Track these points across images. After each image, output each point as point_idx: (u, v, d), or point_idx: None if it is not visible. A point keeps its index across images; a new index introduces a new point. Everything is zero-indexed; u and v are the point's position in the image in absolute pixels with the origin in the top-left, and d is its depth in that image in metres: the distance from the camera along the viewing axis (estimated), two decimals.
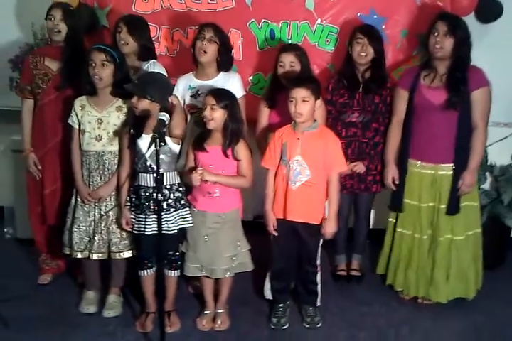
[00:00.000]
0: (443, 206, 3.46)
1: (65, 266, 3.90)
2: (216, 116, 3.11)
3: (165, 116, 3.04)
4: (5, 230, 4.53)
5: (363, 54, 3.56)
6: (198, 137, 3.27)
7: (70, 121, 3.36)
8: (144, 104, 3.10)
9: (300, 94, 3.13)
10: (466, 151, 3.40)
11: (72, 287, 3.75)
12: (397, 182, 3.56)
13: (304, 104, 3.13)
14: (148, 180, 3.18)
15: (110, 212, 3.34)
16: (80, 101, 3.34)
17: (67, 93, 3.56)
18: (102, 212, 3.35)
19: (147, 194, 3.19)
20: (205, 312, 3.42)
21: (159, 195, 2.98)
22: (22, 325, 3.33)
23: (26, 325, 3.35)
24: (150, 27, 3.77)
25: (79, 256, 3.37)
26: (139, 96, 3.08)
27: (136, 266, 3.37)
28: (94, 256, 3.37)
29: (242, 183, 3.24)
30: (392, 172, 3.57)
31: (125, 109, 3.31)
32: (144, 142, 3.13)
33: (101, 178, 3.35)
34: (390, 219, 3.68)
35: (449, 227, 3.49)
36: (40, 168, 3.64)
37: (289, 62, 3.47)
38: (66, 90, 3.56)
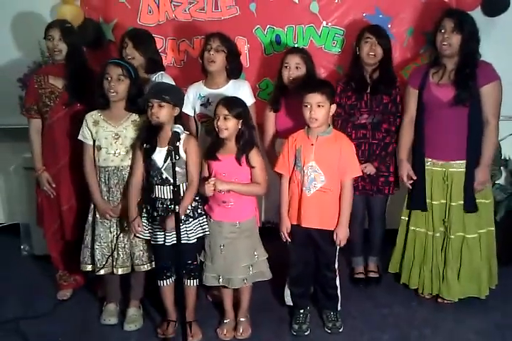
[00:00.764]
0: (454, 203, 3.44)
1: (83, 280, 3.90)
2: (230, 126, 3.11)
3: (179, 129, 3.03)
4: (22, 247, 4.53)
5: (372, 53, 3.54)
6: (210, 146, 3.26)
7: (81, 137, 3.34)
8: (164, 111, 3.09)
9: (315, 99, 3.11)
10: (477, 147, 3.37)
11: (92, 301, 3.75)
12: (414, 178, 3.52)
13: (320, 109, 3.12)
14: (165, 192, 3.18)
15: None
16: (92, 117, 3.31)
17: (76, 108, 3.57)
18: (124, 227, 3.34)
19: (164, 205, 3.19)
20: (225, 321, 3.41)
21: (177, 206, 2.97)
22: None
23: None
24: (156, 39, 3.79)
25: (102, 272, 3.35)
26: (158, 99, 3.07)
27: (155, 276, 3.37)
28: (119, 271, 3.36)
29: (258, 190, 3.23)
30: (406, 171, 3.54)
31: (140, 123, 3.30)
32: (158, 155, 3.14)
33: (120, 193, 3.33)
34: (403, 218, 3.67)
35: (460, 225, 3.47)
36: (54, 185, 3.64)
37: (294, 64, 3.46)
38: (74, 106, 3.57)
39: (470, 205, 3.41)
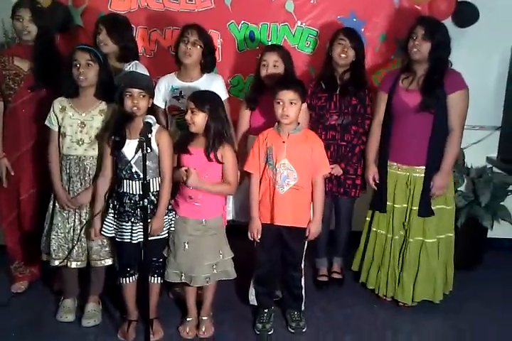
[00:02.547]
0: (415, 208, 3.49)
1: (39, 273, 3.75)
2: (196, 120, 3.04)
3: (151, 119, 2.95)
4: None
5: (343, 55, 3.56)
6: (181, 139, 3.20)
7: (47, 123, 3.21)
8: (144, 101, 3.01)
9: (288, 96, 3.11)
10: (439, 154, 3.42)
11: (48, 295, 3.62)
12: (377, 182, 3.59)
13: (292, 106, 3.12)
14: (133, 187, 3.08)
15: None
16: (59, 103, 3.19)
17: (42, 94, 3.43)
18: (82, 219, 3.23)
19: (132, 201, 3.09)
20: (188, 319, 3.34)
21: (146, 201, 2.89)
22: None
23: (1, 336, 3.22)
24: None
25: (56, 263, 3.24)
26: (140, 89, 2.99)
27: (115, 273, 3.27)
28: (73, 264, 3.25)
29: (228, 191, 3.18)
30: (372, 173, 3.60)
31: (108, 113, 3.19)
32: (127, 148, 3.04)
33: (81, 184, 3.22)
34: (367, 218, 3.73)
35: (420, 229, 3.52)
36: (12, 173, 3.49)
37: (272, 62, 3.42)
38: (40, 91, 3.43)
39: (424, 211, 3.47)
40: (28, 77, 3.43)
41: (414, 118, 3.41)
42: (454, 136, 3.41)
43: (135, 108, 2.99)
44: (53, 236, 3.22)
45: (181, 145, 3.15)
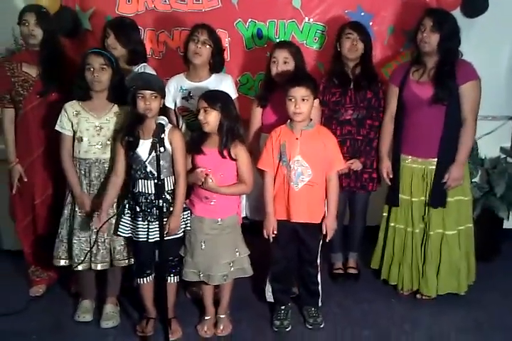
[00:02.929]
0: None
1: (57, 276, 3.78)
2: (210, 119, 3.05)
3: (164, 120, 2.98)
4: None
5: (353, 49, 3.54)
6: (194, 139, 3.20)
7: (58, 128, 3.22)
8: (157, 102, 3.03)
9: (300, 93, 3.10)
10: (452, 145, 3.40)
11: (66, 297, 3.65)
12: (391, 177, 3.57)
13: (304, 103, 3.11)
14: (148, 186, 3.09)
15: (113, 220, 3.21)
16: (72, 107, 3.20)
17: (52, 98, 3.45)
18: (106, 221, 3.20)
19: (148, 200, 3.10)
20: (206, 318, 3.36)
21: (161, 200, 2.92)
22: None
23: (22, 340, 3.25)
24: None
25: (80, 268, 3.23)
26: (153, 90, 3.00)
27: (132, 274, 3.29)
28: (99, 267, 3.26)
29: (244, 190, 3.20)
30: (386, 167, 3.58)
31: (123, 115, 3.21)
32: (142, 148, 3.05)
33: (101, 186, 3.23)
34: (384, 214, 3.70)
35: (440, 222, 3.51)
36: (26, 179, 3.51)
37: (282, 58, 3.39)
38: (50, 95, 3.45)
39: (435, 201, 3.46)
40: (36, 83, 3.45)
41: (427, 111, 3.39)
42: (468, 126, 3.39)
43: (147, 109, 3.01)
44: (75, 241, 3.22)
45: (194, 145, 3.16)
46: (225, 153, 3.09)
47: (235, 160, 3.11)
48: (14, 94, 3.46)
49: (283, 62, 3.40)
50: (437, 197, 3.46)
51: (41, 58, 3.43)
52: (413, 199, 3.54)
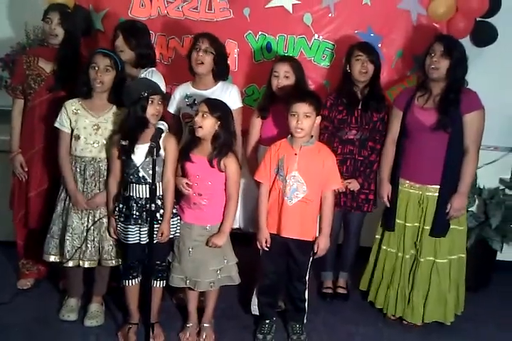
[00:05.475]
0: (427, 227, 3.45)
1: (46, 271, 3.79)
2: (205, 124, 3.06)
3: (163, 125, 3.00)
4: None
5: (363, 71, 3.55)
6: (185, 146, 3.22)
7: (57, 125, 3.25)
8: (161, 107, 3.05)
9: (303, 109, 3.11)
10: (454, 174, 3.39)
11: (54, 293, 3.66)
12: (390, 200, 3.56)
13: (306, 119, 3.12)
14: (140, 191, 3.11)
15: (104, 219, 3.24)
16: (72, 105, 3.23)
17: (59, 95, 3.48)
18: (96, 219, 3.25)
19: (139, 205, 3.11)
20: (188, 325, 3.36)
21: (153, 205, 2.94)
22: None
23: (4, 332, 3.25)
24: None
25: (70, 264, 3.25)
26: (161, 96, 3.04)
27: (119, 275, 3.29)
28: (86, 264, 3.27)
29: (234, 207, 3.21)
30: (387, 190, 3.57)
31: (121, 116, 3.22)
32: (137, 153, 3.07)
33: (95, 185, 3.26)
34: (377, 236, 3.69)
35: (431, 249, 3.49)
36: (26, 169, 3.55)
37: (283, 72, 3.42)
38: (58, 92, 3.49)
39: (438, 230, 3.43)
40: (48, 78, 3.50)
41: (429, 137, 3.38)
42: (471, 156, 3.37)
43: (155, 114, 3.04)
44: (67, 237, 3.23)
45: (184, 152, 3.17)
46: (215, 163, 3.10)
47: (222, 171, 3.12)
48: (26, 87, 3.51)
49: (284, 76, 3.43)
50: (440, 226, 3.44)
51: (58, 56, 3.48)
52: (407, 224, 3.52)
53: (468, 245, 3.67)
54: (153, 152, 2.85)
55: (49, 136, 3.48)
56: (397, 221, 3.55)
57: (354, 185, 3.63)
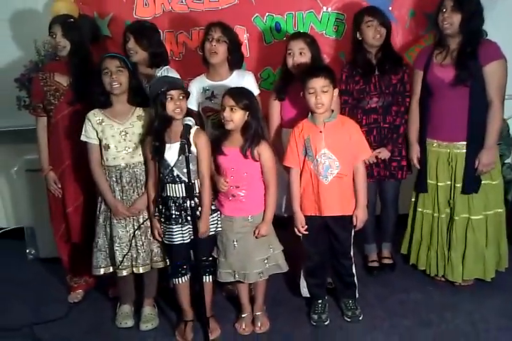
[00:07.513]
0: (458, 185, 3.42)
1: (94, 281, 3.82)
2: (236, 117, 3.03)
3: (191, 121, 2.98)
4: (27, 251, 4.46)
5: (378, 36, 3.48)
6: (214, 140, 3.18)
7: (84, 138, 3.22)
8: (184, 102, 3.03)
9: (319, 83, 3.06)
10: (480, 128, 3.32)
11: (105, 302, 3.69)
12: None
13: (324, 94, 3.07)
14: (177, 190, 3.10)
15: (148, 222, 3.24)
16: (95, 116, 3.20)
17: (76, 107, 3.47)
18: (139, 224, 3.25)
19: (177, 204, 3.11)
20: (243, 315, 3.36)
21: (192, 202, 2.94)
22: None
23: None
24: None
25: (124, 273, 3.25)
26: (180, 90, 3.01)
27: (167, 275, 3.32)
28: (141, 270, 3.27)
29: (273, 193, 3.15)
30: (416, 152, 3.54)
31: (146, 118, 3.21)
32: (169, 152, 3.05)
33: (134, 191, 3.24)
34: (412, 199, 3.67)
35: (465, 206, 3.44)
36: (59, 186, 3.57)
37: (298, 49, 3.35)
38: (79, 104, 3.48)
39: (469, 187, 3.39)
40: (67, 92, 3.48)
41: (451, 94, 3.33)
42: (495, 108, 3.29)
43: (178, 110, 3.00)
44: (116, 248, 3.22)
45: (215, 146, 3.14)
46: (248, 153, 3.07)
47: (257, 161, 3.09)
48: (46, 103, 3.51)
49: (299, 54, 3.36)
50: (471, 183, 3.39)
51: (71, 69, 3.46)
52: (439, 183, 3.48)
53: (509, 198, 3.57)
54: (184, 149, 2.84)
55: (76, 150, 3.47)
56: (429, 181, 3.52)
57: (384, 154, 3.58)
